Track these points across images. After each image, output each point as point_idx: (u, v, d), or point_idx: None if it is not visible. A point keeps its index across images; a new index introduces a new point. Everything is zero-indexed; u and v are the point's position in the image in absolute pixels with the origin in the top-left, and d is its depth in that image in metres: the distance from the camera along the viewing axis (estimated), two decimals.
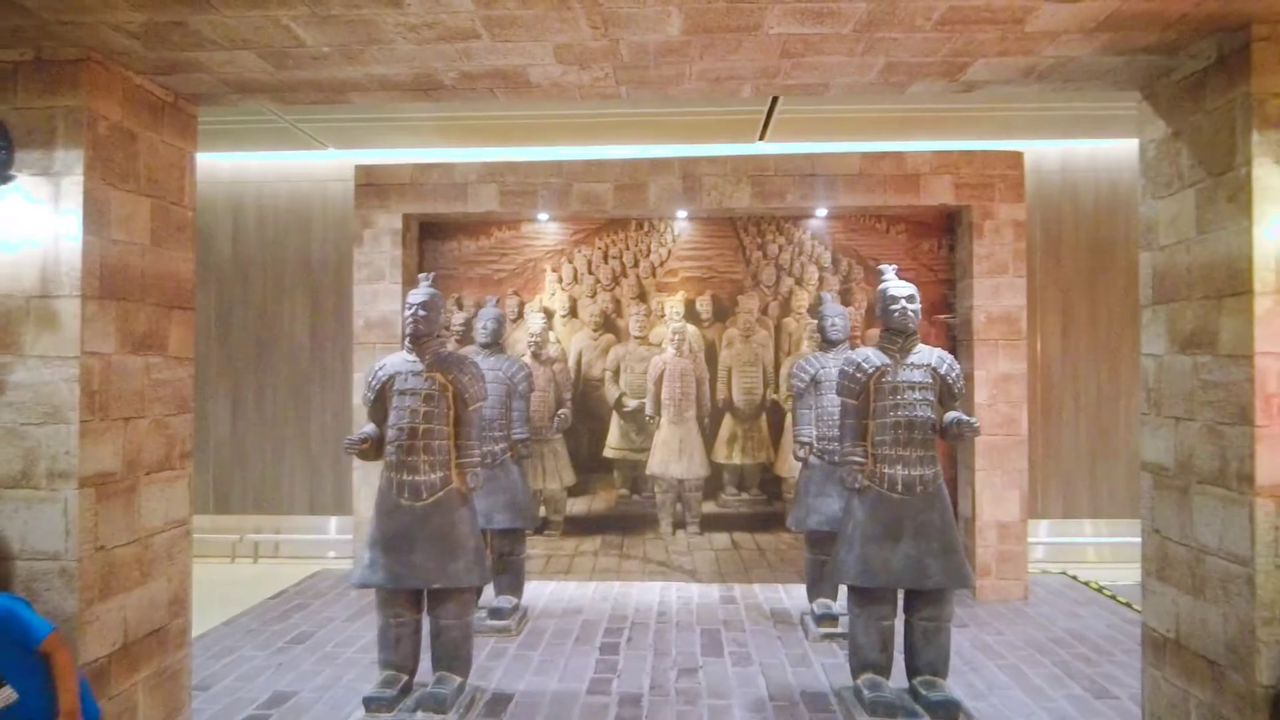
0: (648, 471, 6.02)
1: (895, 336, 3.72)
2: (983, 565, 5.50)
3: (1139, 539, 3.08)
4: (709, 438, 6.03)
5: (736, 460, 6.02)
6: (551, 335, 6.07)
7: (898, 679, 3.73)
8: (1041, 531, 6.47)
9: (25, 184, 2.52)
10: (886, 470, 3.64)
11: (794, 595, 5.59)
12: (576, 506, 6.04)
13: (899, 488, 3.62)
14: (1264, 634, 2.38)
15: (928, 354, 3.72)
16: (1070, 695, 3.95)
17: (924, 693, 3.57)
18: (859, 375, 3.70)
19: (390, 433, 3.71)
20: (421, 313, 3.75)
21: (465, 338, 6.02)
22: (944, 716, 3.46)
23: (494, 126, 5.55)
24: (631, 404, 6.05)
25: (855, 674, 3.73)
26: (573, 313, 6.11)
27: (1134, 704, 3.77)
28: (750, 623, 5.07)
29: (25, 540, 2.54)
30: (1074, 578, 6.09)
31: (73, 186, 2.54)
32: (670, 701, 3.87)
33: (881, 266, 3.93)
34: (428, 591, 3.74)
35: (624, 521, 6.04)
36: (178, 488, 3.08)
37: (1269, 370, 2.39)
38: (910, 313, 3.69)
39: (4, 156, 2.48)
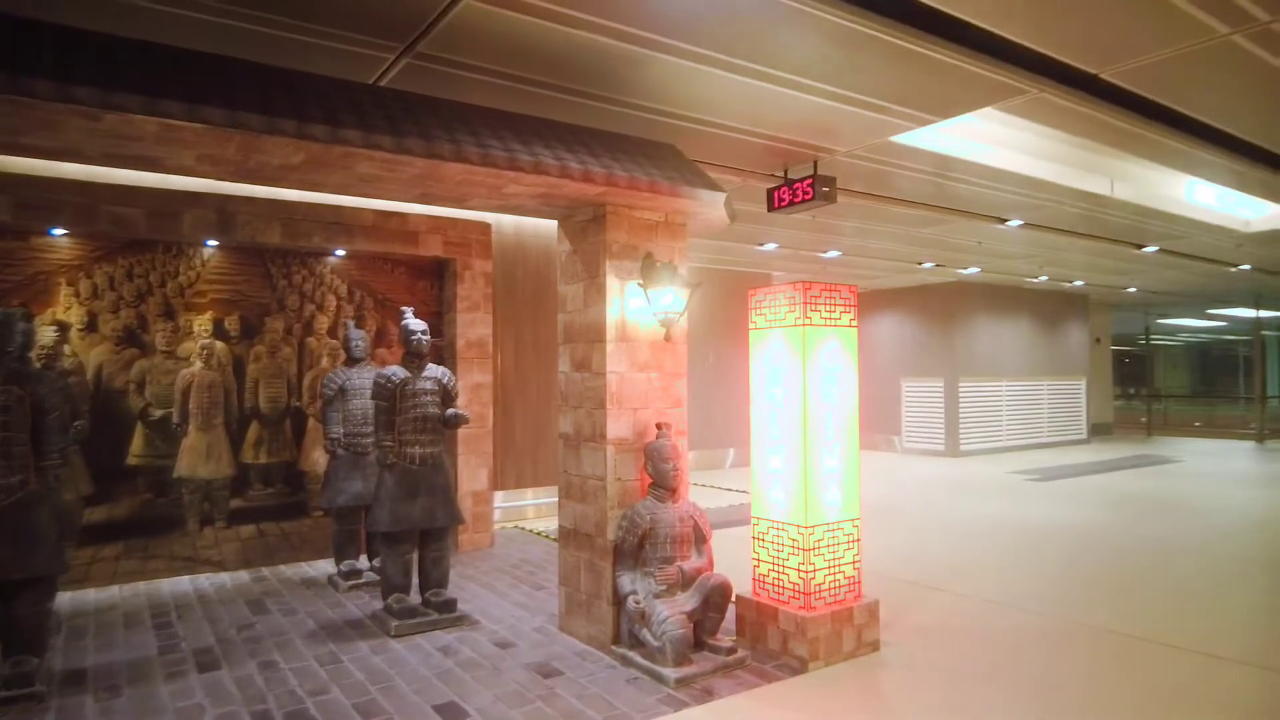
0: (175, 475, 6.56)
1: (413, 358, 5.37)
2: (463, 524, 7.47)
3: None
4: (236, 441, 6.85)
5: (263, 460, 6.96)
6: (66, 349, 6.19)
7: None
8: (501, 499, 8.78)
9: None
10: (408, 450, 5.27)
11: (318, 568, 6.81)
12: (96, 514, 6.25)
13: (416, 462, 5.28)
14: (610, 515, 4.68)
15: (435, 369, 5.46)
16: (521, 590, 6.11)
17: (432, 599, 5.30)
18: (389, 385, 5.26)
19: None
20: None
21: None
22: (446, 609, 5.24)
23: None
24: (158, 413, 6.52)
25: (386, 596, 5.27)
26: (91, 327, 6.31)
27: (555, 590, 6.06)
28: (286, 590, 6.16)
29: None
30: (521, 528, 8.52)
31: None
32: (239, 646, 4.88)
33: (403, 309, 5.56)
34: (3, 584, 4.09)
35: (149, 524, 6.46)
36: None
37: (612, 380, 4.71)
38: (424, 341, 5.39)
39: None
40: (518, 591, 6.10)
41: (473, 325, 7.65)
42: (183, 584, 6.32)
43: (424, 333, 5.41)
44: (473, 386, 7.63)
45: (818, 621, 4.48)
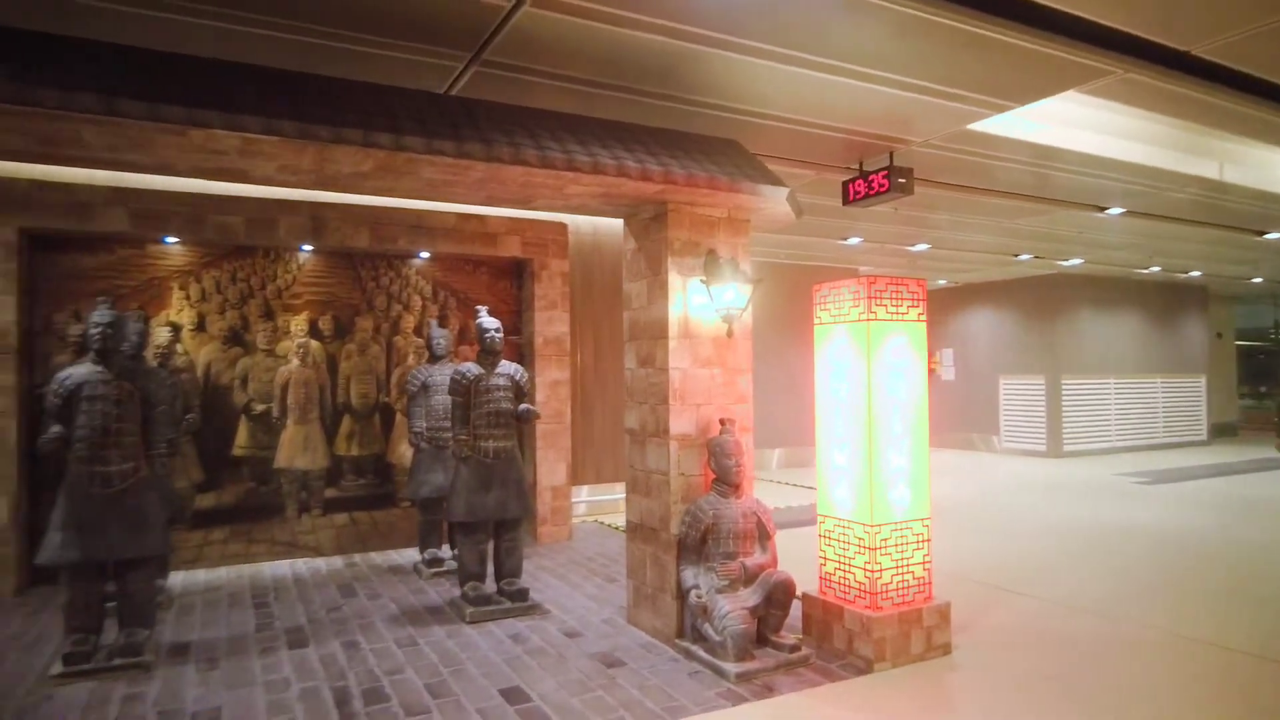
0: (275, 466, 7.01)
1: (487, 355, 5.56)
2: (541, 516, 7.68)
3: None
4: (330, 434, 7.25)
5: (354, 452, 7.34)
6: (179, 348, 6.71)
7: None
8: (584, 493, 8.95)
9: None
10: (482, 444, 5.46)
11: (405, 555, 7.13)
12: (205, 501, 6.76)
13: (490, 455, 5.47)
14: (674, 509, 4.72)
15: (508, 366, 5.63)
16: (594, 582, 6.23)
17: (506, 588, 5.48)
18: (464, 381, 5.47)
19: (81, 432, 4.40)
20: (109, 331, 4.51)
21: (82, 349, 6.35)
22: (519, 598, 5.41)
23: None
24: (259, 408, 6.98)
25: (462, 584, 5.48)
26: (200, 327, 6.82)
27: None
28: (374, 576, 6.49)
29: None
30: (601, 523, 8.67)
31: None
32: (326, 625, 5.19)
33: (477, 308, 5.77)
34: (118, 562, 4.50)
35: (252, 511, 6.93)
36: None
37: (675, 376, 4.75)
38: (497, 339, 5.58)
39: None
40: (590, 584, 6.23)
41: (550, 323, 7.83)
42: (282, 567, 6.75)
43: (497, 330, 5.59)
44: (550, 383, 7.81)
45: (884, 622, 4.40)
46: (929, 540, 4.68)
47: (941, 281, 16.17)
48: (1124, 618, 5.29)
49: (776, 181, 4.77)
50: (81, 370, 4.50)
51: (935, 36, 4.34)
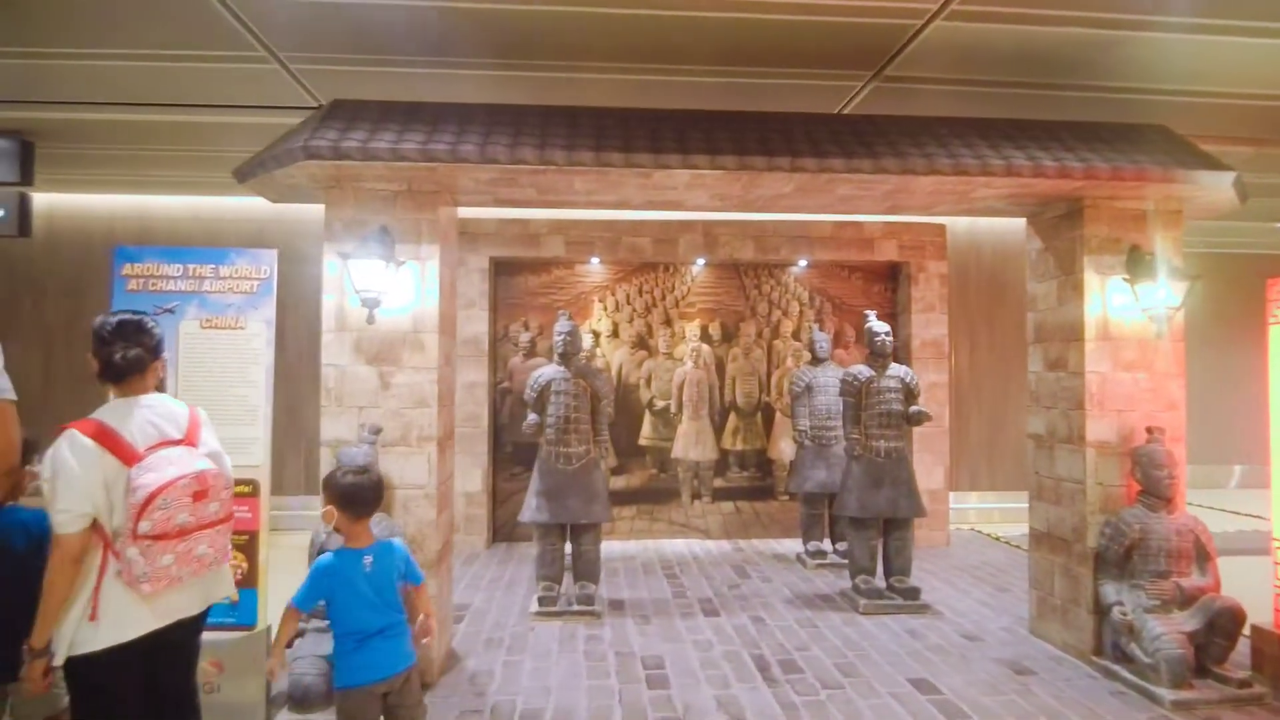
0: (672, 455, 7.92)
1: (877, 358, 5.75)
2: (917, 521, 7.63)
3: (1023, 505, 5.18)
4: (718, 430, 7.98)
5: (739, 447, 8.00)
6: (598, 351, 7.90)
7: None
8: (952, 499, 8.69)
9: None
10: (873, 443, 5.67)
11: (785, 545, 7.60)
12: (618, 483, 7.86)
13: (881, 455, 5.65)
14: (1090, 520, 4.50)
15: (898, 369, 5.77)
16: (982, 589, 6.10)
17: (896, 585, 5.62)
18: (855, 382, 5.72)
19: (550, 419, 5.47)
20: (569, 338, 5.54)
21: (530, 352, 7.79)
22: (910, 596, 5.52)
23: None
24: (660, 404, 7.94)
25: (853, 576, 5.74)
26: (615, 334, 7.95)
27: (1020, 593, 5.93)
28: (761, 561, 7.03)
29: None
30: (978, 531, 8.35)
31: (432, 268, 4.26)
32: (730, 601, 5.79)
33: (866, 312, 5.99)
34: (572, 525, 5.51)
35: (654, 494, 7.91)
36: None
37: (1092, 380, 4.52)
38: (888, 343, 5.74)
39: (391, 248, 4.16)
40: (979, 590, 6.10)
41: (928, 325, 7.77)
42: (678, 545, 7.61)
43: (887, 334, 5.75)
44: (927, 385, 7.73)
45: None
46: None
47: None
48: None
49: (1217, 166, 4.31)
50: (549, 370, 5.58)
51: None
